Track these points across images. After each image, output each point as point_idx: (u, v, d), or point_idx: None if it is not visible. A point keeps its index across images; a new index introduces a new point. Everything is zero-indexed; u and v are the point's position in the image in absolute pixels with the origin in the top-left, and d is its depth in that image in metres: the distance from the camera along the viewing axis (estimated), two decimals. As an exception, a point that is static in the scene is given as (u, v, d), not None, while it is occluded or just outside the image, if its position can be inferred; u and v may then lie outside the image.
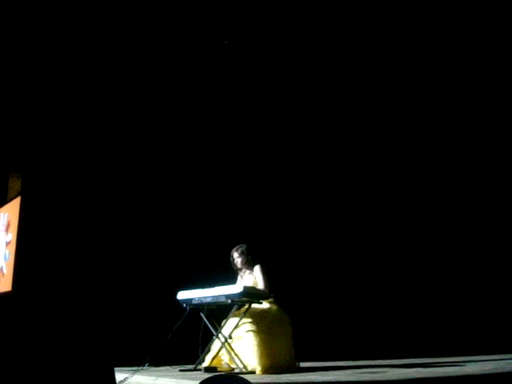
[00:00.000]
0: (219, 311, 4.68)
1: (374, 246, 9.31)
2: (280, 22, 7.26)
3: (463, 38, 7.35)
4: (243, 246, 4.96)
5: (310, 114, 8.78)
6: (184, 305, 4.68)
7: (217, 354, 4.52)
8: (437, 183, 9.21)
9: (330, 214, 9.37)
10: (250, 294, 4.47)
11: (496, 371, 3.83)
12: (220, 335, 4.46)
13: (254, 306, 4.56)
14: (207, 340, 4.57)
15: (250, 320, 4.47)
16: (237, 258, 4.93)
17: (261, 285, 4.75)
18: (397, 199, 9.43)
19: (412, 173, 9.33)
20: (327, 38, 7.52)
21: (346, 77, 8.29)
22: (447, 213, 9.08)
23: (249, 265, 4.90)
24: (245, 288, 4.37)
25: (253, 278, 4.85)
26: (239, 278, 5.00)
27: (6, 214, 4.12)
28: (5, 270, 3.94)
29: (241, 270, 4.96)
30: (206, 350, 4.56)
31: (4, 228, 4.13)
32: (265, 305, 4.67)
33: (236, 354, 4.38)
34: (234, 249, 4.98)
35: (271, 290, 4.81)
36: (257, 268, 4.84)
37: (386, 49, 7.75)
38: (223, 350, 4.49)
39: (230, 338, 4.43)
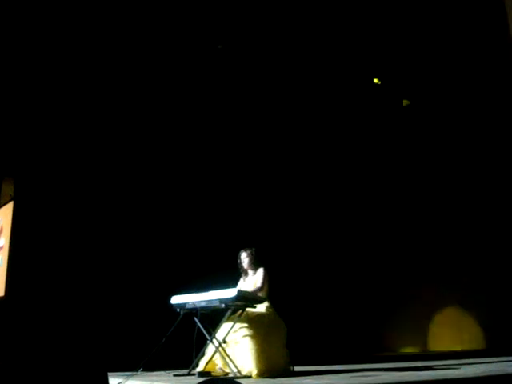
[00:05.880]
0: (214, 315, 4.67)
1: (365, 250, 9.34)
2: (273, 26, 7.30)
3: (461, 39, 7.43)
4: (252, 249, 5.06)
5: (312, 119, 8.85)
6: (178, 309, 4.67)
7: (211, 359, 4.51)
8: (434, 184, 9.25)
9: (327, 218, 9.40)
10: (245, 299, 4.47)
11: (490, 374, 3.84)
12: (214, 340, 4.45)
13: (250, 310, 4.57)
14: (201, 344, 4.56)
15: (246, 324, 4.47)
16: (244, 258, 5.01)
17: (258, 283, 4.81)
18: (395, 203, 9.47)
19: (407, 180, 9.38)
20: (323, 38, 7.57)
21: (346, 76, 8.35)
22: (446, 213, 9.10)
23: (254, 267, 4.98)
24: (239, 292, 4.37)
25: (255, 279, 4.90)
26: (241, 280, 5.06)
27: (-1, 219, 4.09)
28: (-3, 276, 3.90)
29: (246, 271, 5.03)
30: (200, 354, 4.55)
31: (-4, 233, 4.10)
32: (260, 309, 4.68)
33: (230, 359, 4.37)
34: (243, 249, 5.07)
35: (269, 294, 4.85)
36: (260, 270, 4.92)
37: (384, 46, 7.82)
38: (217, 355, 4.48)
39: (225, 342, 4.43)
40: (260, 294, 4.77)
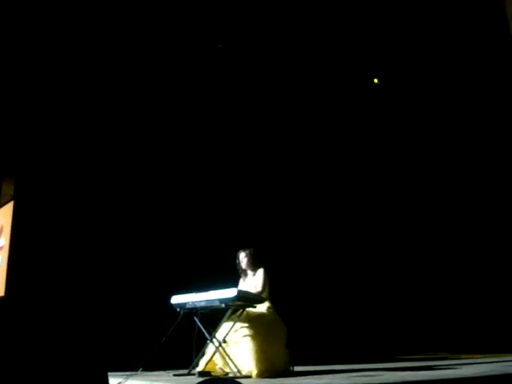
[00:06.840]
0: (214, 315, 4.67)
1: (366, 250, 9.33)
2: (273, 25, 7.31)
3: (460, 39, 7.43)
4: (251, 249, 5.06)
5: (312, 119, 8.85)
6: (178, 309, 4.67)
7: (211, 359, 4.52)
8: (436, 182, 9.23)
9: (325, 218, 9.38)
10: (244, 299, 4.47)
11: (490, 373, 3.83)
12: (214, 339, 4.46)
13: (250, 310, 4.57)
14: (201, 344, 4.56)
15: (247, 324, 4.47)
16: (243, 258, 5.02)
17: (259, 286, 4.81)
18: (393, 202, 9.45)
19: (410, 172, 9.36)
20: (321, 38, 7.58)
21: (345, 76, 8.36)
22: (446, 212, 9.09)
23: (253, 267, 4.98)
24: (239, 292, 4.37)
25: (255, 280, 4.89)
26: (241, 281, 5.07)
27: (-1, 219, 4.10)
28: (-3, 275, 3.90)
29: (245, 271, 5.03)
30: (200, 354, 4.55)
31: (-4, 233, 4.10)
32: (261, 309, 4.69)
33: (230, 359, 4.37)
34: (242, 250, 5.08)
35: (270, 294, 4.85)
36: (260, 271, 4.93)
37: (384, 45, 7.83)
38: (217, 355, 4.48)
39: (225, 342, 4.43)
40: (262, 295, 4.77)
